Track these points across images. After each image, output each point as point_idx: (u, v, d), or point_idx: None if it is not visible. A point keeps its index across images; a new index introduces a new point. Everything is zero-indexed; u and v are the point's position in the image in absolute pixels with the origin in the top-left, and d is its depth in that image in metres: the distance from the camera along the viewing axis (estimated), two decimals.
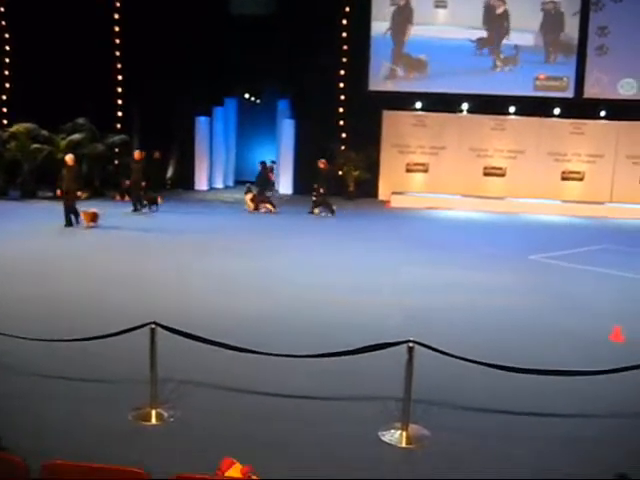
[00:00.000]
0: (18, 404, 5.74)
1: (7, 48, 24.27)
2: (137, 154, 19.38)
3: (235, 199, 22.99)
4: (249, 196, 20.11)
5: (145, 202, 19.06)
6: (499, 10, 23.64)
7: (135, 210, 18.76)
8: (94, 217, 15.86)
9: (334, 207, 19.68)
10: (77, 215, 15.83)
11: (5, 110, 24.19)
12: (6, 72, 24.38)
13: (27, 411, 5.68)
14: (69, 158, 16.18)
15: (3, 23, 24.11)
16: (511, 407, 6.10)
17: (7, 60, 24.33)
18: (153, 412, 5.71)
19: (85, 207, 16.24)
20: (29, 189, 21.31)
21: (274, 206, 19.92)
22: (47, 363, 6.72)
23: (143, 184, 18.96)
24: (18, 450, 3.52)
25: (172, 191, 24.14)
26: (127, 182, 20.25)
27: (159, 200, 19.60)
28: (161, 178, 24.13)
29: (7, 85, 24.41)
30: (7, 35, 24.18)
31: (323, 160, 20.40)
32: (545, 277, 12.06)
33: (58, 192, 16.19)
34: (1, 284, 10.13)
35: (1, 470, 3.16)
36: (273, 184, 22.13)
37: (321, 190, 19.87)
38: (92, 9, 22.54)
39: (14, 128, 21.30)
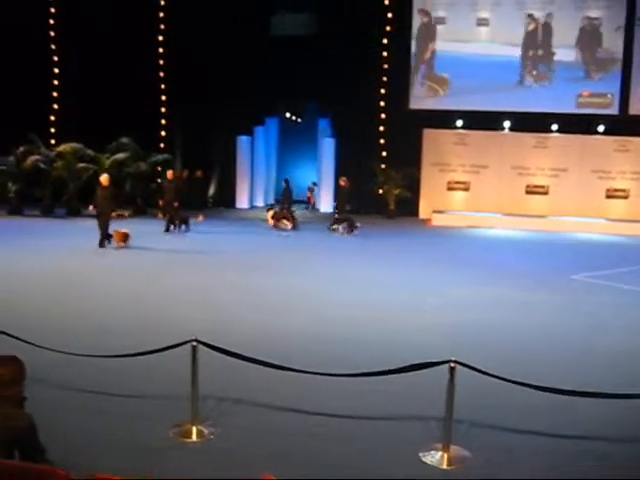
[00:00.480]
0: (63, 418, 5.83)
1: (55, 70, 24.93)
2: (170, 174, 19.23)
3: None
4: (270, 213, 20.56)
5: (177, 222, 18.75)
6: (539, 27, 23.46)
7: (167, 230, 18.51)
8: (125, 237, 15.72)
9: (357, 224, 19.63)
10: (109, 236, 15.64)
11: (53, 130, 24.79)
12: (54, 94, 25.04)
13: (71, 425, 5.76)
14: (104, 179, 15.97)
15: (52, 46, 24.78)
16: (553, 429, 5.97)
17: (55, 82, 24.98)
18: (194, 429, 5.74)
19: (121, 226, 16.29)
20: (74, 207, 21.76)
21: (293, 222, 20.14)
22: (91, 378, 6.81)
23: (176, 204, 18.65)
24: (62, 463, 3.57)
25: (214, 209, 24.40)
26: (161, 202, 20.06)
27: (201, 218, 19.82)
28: (203, 196, 24.43)
29: (55, 106, 25.06)
30: (55, 57, 24.85)
31: (344, 178, 20.66)
32: (588, 297, 11.83)
33: (91, 208, 16.23)
34: (37, 300, 10.34)
35: None
36: (291, 202, 22.22)
37: (346, 207, 20.22)
38: (137, 31, 23.04)
39: (61, 148, 21.84)
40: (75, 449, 5.11)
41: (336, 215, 20.60)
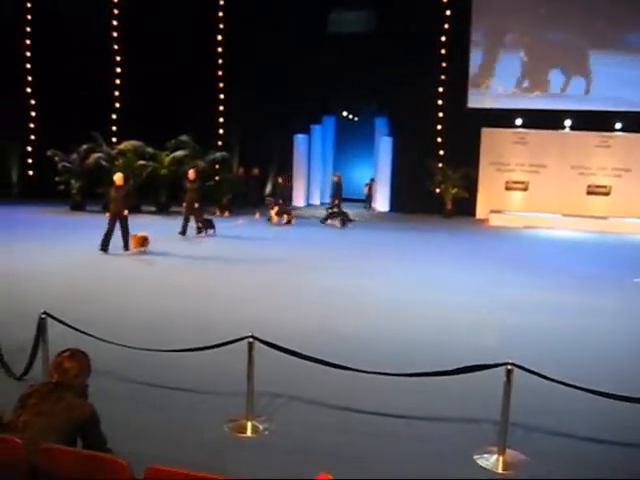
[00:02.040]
0: (123, 410, 5.97)
1: (117, 70, 25.49)
2: (191, 173, 17.64)
3: None
4: (275, 210, 20.64)
5: (199, 225, 17.28)
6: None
7: (183, 233, 16.97)
8: (144, 242, 14.49)
9: (352, 219, 20.83)
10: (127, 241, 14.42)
11: (114, 129, 25.35)
12: (116, 93, 25.61)
13: (131, 417, 5.90)
14: (118, 178, 14.78)
15: (114, 47, 25.36)
16: (614, 436, 5.83)
17: (117, 81, 25.55)
18: (249, 424, 5.81)
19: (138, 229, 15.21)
20: (133, 204, 22.18)
21: (288, 217, 20.63)
22: (150, 372, 6.96)
23: (196, 205, 17.09)
24: (121, 454, 3.66)
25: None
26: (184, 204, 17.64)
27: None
28: (259, 194, 24.66)
29: (117, 105, 25.62)
30: (117, 58, 25.41)
31: (338, 174, 22.13)
32: None
33: (107, 214, 14.52)
34: (96, 294, 10.62)
35: (107, 472, 3.30)
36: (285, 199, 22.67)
37: (336, 202, 21.52)
38: (196, 30, 23.42)
39: (122, 146, 22.31)
40: (133, 441, 5.21)
41: (329, 209, 21.39)
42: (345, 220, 20.50)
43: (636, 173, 23.03)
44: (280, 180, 23.14)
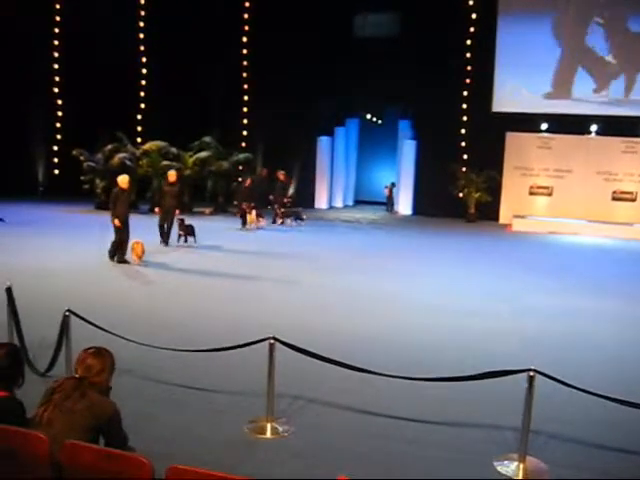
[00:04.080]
0: (145, 408, 6.02)
1: (143, 71, 25.71)
2: (172, 175, 16.01)
3: (355, 218, 23.24)
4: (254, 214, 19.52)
5: (180, 234, 15.68)
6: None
7: (164, 243, 15.45)
8: (142, 252, 13.23)
9: (304, 216, 20.50)
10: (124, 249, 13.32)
11: (139, 129, 25.56)
12: (141, 93, 25.82)
13: (152, 415, 5.95)
14: (123, 180, 13.56)
15: (141, 48, 25.57)
16: (636, 447, 5.77)
17: (143, 82, 25.76)
18: (268, 426, 5.83)
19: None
20: (156, 203, 22.32)
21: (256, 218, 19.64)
22: (173, 372, 7.02)
23: (177, 212, 15.58)
24: (142, 452, 3.69)
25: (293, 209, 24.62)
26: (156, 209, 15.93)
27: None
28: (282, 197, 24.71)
29: (142, 106, 25.84)
30: (144, 59, 25.62)
31: (282, 172, 21.41)
32: None
33: (117, 222, 13.13)
34: (119, 292, 10.71)
35: (129, 469, 3.33)
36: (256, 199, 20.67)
37: (284, 200, 20.91)
38: (221, 32, 23.54)
39: (147, 146, 22.46)
40: (155, 440, 5.26)
41: (278, 209, 20.74)
42: (299, 218, 20.27)
43: None
44: (282, 177, 22.76)
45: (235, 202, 21.25)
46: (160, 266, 13.14)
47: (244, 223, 19.16)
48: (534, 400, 5.27)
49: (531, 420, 5.30)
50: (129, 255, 13.20)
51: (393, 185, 26.93)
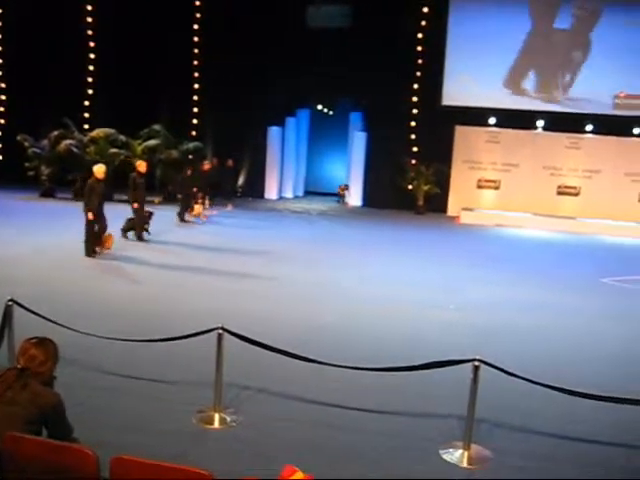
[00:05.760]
0: (90, 399, 5.93)
1: (91, 56, 25.16)
2: (144, 165, 15.31)
3: (305, 209, 23.26)
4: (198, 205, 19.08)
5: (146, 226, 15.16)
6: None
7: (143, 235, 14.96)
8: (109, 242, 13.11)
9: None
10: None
11: (87, 115, 25.04)
12: (89, 79, 25.28)
13: (98, 406, 5.86)
14: (100, 170, 12.86)
15: (88, 32, 25.02)
16: (580, 434, 5.93)
17: (90, 67, 25.22)
18: (217, 416, 5.80)
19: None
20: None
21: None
22: (120, 361, 6.93)
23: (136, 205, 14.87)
24: (88, 443, 3.64)
25: (242, 199, 24.52)
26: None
27: (229, 207, 19.25)
28: (233, 185, 24.59)
29: (89, 91, 25.30)
30: (92, 44, 25.08)
31: (207, 162, 21.06)
32: (617, 301, 11.69)
33: (90, 215, 12.55)
34: (68, 282, 10.52)
35: (72, 461, 3.28)
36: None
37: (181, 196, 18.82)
38: (172, 18, 23.20)
39: (94, 133, 22.03)
40: (101, 430, 5.19)
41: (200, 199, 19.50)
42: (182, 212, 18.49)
43: (605, 175, 23.35)
44: (230, 163, 22.71)
45: (176, 192, 20.34)
46: (125, 259, 12.88)
47: (181, 214, 18.28)
48: (480, 389, 5.38)
49: (476, 409, 5.41)
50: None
51: (346, 187, 26.78)
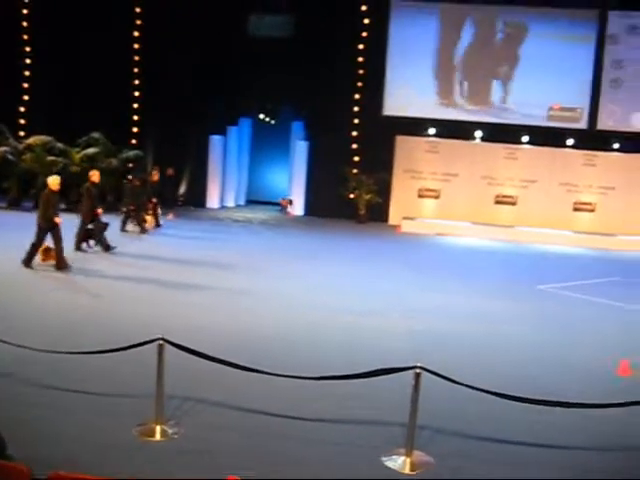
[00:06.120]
0: (26, 414, 5.76)
1: (27, 61, 24.56)
2: (97, 175, 15.19)
3: (247, 218, 23.16)
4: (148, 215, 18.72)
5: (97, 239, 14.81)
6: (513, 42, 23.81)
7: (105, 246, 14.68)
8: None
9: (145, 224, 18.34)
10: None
11: (22, 122, 24.42)
12: (25, 84, 24.66)
13: (34, 421, 5.69)
14: (54, 182, 12.58)
15: (24, 36, 24.42)
16: (517, 437, 6.06)
17: (26, 73, 24.61)
18: (157, 428, 5.71)
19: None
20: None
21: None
22: (56, 374, 6.74)
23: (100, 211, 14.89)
24: (24, 459, 3.54)
25: (184, 208, 24.26)
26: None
27: (171, 216, 18.90)
28: (173, 194, 24.30)
29: (25, 97, 24.67)
30: (27, 48, 24.49)
31: (138, 177, 19.64)
32: (553, 307, 12.00)
33: (58, 220, 12.40)
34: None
35: (6, 478, 3.17)
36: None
37: (131, 207, 18.32)
38: (112, 25, 22.84)
39: (30, 140, 21.49)
40: (37, 446, 5.05)
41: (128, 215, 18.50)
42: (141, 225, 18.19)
43: (541, 184, 23.97)
44: (171, 172, 22.50)
45: (124, 203, 19.32)
46: (77, 270, 12.52)
47: (123, 225, 17.85)
48: (422, 397, 5.44)
49: (418, 415, 5.46)
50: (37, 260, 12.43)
51: (290, 202, 26.47)
